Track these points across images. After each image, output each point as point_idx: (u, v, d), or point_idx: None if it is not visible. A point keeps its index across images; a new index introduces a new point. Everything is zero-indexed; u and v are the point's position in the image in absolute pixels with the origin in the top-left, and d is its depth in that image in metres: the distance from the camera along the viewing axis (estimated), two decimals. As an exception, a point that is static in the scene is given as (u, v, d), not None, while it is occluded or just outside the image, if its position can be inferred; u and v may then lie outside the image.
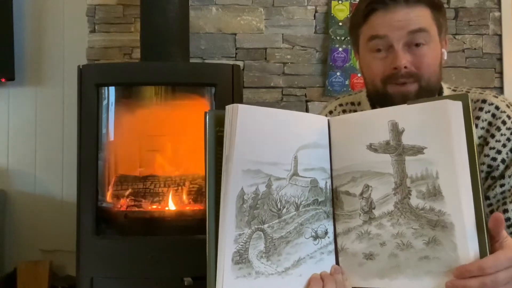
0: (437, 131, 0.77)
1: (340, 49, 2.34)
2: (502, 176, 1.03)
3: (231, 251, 0.74)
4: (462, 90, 1.14)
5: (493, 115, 1.05)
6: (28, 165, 2.56)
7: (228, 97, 1.94)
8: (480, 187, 0.76)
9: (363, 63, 1.11)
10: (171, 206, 2.05)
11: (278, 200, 0.79)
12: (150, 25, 2.07)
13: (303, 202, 0.82)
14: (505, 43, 2.36)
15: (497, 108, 1.06)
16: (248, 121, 0.77)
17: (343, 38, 2.33)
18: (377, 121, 0.83)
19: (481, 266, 0.73)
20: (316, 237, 0.83)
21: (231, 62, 2.28)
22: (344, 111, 1.24)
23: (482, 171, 1.04)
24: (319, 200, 0.85)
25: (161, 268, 1.88)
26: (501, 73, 2.37)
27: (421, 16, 1.02)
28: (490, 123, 1.05)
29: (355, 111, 1.21)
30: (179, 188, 2.08)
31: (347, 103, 1.25)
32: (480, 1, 2.38)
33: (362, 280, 0.83)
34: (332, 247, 0.85)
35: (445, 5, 2.28)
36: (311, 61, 2.37)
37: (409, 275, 0.78)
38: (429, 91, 1.04)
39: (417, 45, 1.02)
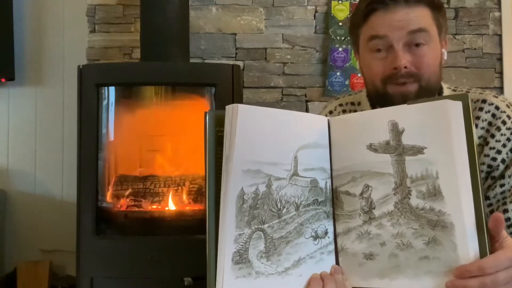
0: (437, 131, 0.77)
1: (340, 49, 2.34)
2: (502, 176, 1.03)
3: (231, 251, 0.74)
4: (462, 90, 1.14)
5: (493, 115, 1.05)
6: (28, 165, 2.56)
7: (228, 97, 1.94)
8: (480, 187, 0.76)
9: (363, 63, 1.11)
10: (171, 206, 2.05)
11: (278, 200, 0.79)
12: (150, 25, 2.07)
13: (303, 202, 0.82)
14: (505, 43, 2.36)
15: (497, 108, 1.06)
16: (248, 121, 0.77)
17: (343, 38, 2.33)
18: (377, 121, 0.83)
19: (481, 266, 0.73)
20: (316, 237, 0.83)
21: (231, 62, 2.28)
22: (344, 111, 1.24)
23: (482, 171, 1.04)
24: (319, 200, 0.85)
25: (161, 268, 1.88)
26: (501, 73, 2.37)
27: (421, 16, 1.02)
28: (490, 123, 1.05)
29: (355, 111, 1.21)
30: (179, 188, 2.08)
31: (347, 103, 1.25)
32: (480, 1, 2.38)
33: (362, 280, 0.83)
34: (332, 247, 0.85)
35: (445, 5, 2.28)
36: (311, 61, 2.37)
37: (409, 275, 0.78)
38: (429, 91, 1.04)
39: (417, 45, 1.02)
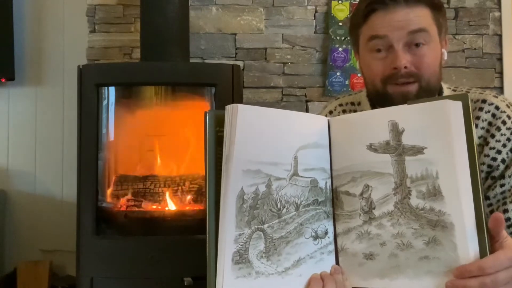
0: (437, 131, 0.77)
1: (340, 49, 2.34)
2: (502, 176, 1.03)
3: (231, 251, 0.74)
4: (462, 90, 1.14)
5: (493, 115, 1.05)
6: (28, 165, 2.56)
7: (228, 97, 1.94)
8: (480, 187, 0.76)
9: (363, 63, 1.11)
10: (171, 206, 2.05)
11: (278, 200, 0.79)
12: (150, 25, 2.07)
13: (303, 202, 0.82)
14: (505, 43, 2.36)
15: (497, 108, 1.06)
16: (248, 121, 0.77)
17: (343, 38, 2.33)
18: (377, 121, 0.83)
19: (481, 266, 0.73)
20: (316, 237, 0.83)
21: (231, 62, 2.28)
22: (344, 111, 1.24)
23: (482, 171, 1.04)
24: (319, 200, 0.85)
25: (161, 268, 1.88)
26: (501, 73, 2.37)
27: (421, 16, 1.02)
28: (490, 123, 1.05)
29: (355, 111, 1.21)
30: (179, 188, 2.08)
31: (347, 103, 1.25)
32: (480, 1, 2.38)
33: (362, 280, 0.83)
34: (332, 247, 0.85)
35: (445, 5, 2.28)
36: (311, 61, 2.37)
37: (409, 275, 0.78)
38: (429, 91, 1.04)
39: (417, 45, 1.02)
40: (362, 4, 1.06)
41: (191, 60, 2.23)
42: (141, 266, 1.89)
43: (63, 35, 2.57)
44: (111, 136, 2.17)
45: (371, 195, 0.83)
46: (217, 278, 0.74)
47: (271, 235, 0.78)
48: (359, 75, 2.28)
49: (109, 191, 2.08)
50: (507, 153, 1.03)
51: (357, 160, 0.84)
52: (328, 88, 2.33)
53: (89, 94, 1.94)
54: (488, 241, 0.75)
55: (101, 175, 2.02)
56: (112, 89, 2.11)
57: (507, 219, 1.00)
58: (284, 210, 0.80)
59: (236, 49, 2.36)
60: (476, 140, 0.84)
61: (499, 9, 2.37)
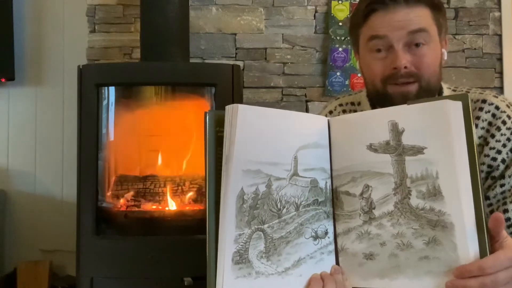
0: (437, 131, 0.77)
1: (340, 49, 2.34)
2: (502, 176, 1.03)
3: (231, 251, 0.74)
4: (462, 90, 1.14)
5: (493, 115, 1.05)
6: (28, 165, 2.56)
7: (228, 97, 1.94)
8: (480, 187, 0.76)
9: (363, 63, 1.11)
10: (171, 206, 2.05)
11: (278, 200, 0.79)
12: (150, 25, 2.07)
13: (303, 202, 0.82)
14: (505, 43, 2.36)
15: (497, 108, 1.06)
16: (248, 121, 0.77)
17: (343, 38, 2.33)
18: (377, 121, 0.83)
19: (481, 266, 0.73)
20: (316, 237, 0.83)
21: (231, 62, 2.28)
22: (344, 111, 1.24)
23: (482, 171, 1.04)
24: (319, 200, 0.85)
25: (161, 268, 1.88)
26: (501, 73, 2.37)
27: (421, 16, 1.02)
28: (490, 123, 1.05)
29: (355, 111, 1.21)
30: (179, 188, 2.08)
31: (347, 103, 1.25)
32: (480, 1, 2.38)
33: (362, 280, 0.83)
34: (332, 247, 0.85)
35: (445, 5, 2.28)
36: (311, 61, 2.37)
37: (409, 275, 0.78)
38: (429, 91, 1.04)
39: (417, 45, 1.02)
40: (362, 4, 1.06)
41: (191, 60, 2.23)
42: (141, 266, 1.89)
43: (63, 35, 2.57)
44: (111, 136, 2.17)
45: (371, 195, 0.83)
46: (217, 278, 0.74)
47: (271, 235, 0.78)
48: (359, 75, 2.28)
49: (109, 191, 2.08)
50: (507, 153, 1.03)
51: (357, 160, 0.84)
52: (328, 88, 2.33)
53: (89, 94, 1.94)
54: (488, 241, 0.75)
55: (101, 175, 2.02)
56: (112, 89, 2.11)
57: (507, 219, 1.00)
58: (284, 210, 0.80)
59: (236, 49, 2.36)
60: (476, 140, 0.84)
61: (499, 9, 2.37)
